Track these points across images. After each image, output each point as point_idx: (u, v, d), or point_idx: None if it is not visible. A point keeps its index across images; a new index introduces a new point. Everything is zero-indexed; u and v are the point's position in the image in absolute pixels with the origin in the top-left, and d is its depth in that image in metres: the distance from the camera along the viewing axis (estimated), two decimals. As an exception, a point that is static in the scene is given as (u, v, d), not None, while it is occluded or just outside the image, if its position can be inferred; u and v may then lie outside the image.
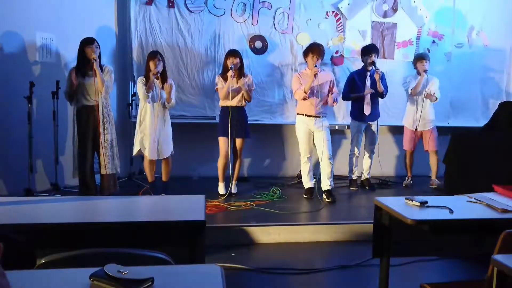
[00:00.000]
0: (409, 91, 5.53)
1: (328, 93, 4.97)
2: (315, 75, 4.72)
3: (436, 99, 5.54)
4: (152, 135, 4.71)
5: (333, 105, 5.13)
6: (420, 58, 5.53)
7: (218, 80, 4.98)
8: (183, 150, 5.19)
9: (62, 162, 5.10)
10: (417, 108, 5.57)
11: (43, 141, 4.97)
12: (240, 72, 4.92)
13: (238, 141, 5.05)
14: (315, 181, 5.11)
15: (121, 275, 1.35)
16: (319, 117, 4.88)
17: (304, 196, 5.04)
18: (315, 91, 4.82)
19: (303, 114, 4.94)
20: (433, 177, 5.71)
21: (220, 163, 5.04)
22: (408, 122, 5.68)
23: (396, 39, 6.15)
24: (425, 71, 5.43)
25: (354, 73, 5.54)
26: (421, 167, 6.03)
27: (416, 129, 5.60)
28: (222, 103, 4.98)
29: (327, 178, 4.92)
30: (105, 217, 2.38)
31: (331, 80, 5.01)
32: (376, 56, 5.38)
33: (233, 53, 4.96)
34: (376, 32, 6.10)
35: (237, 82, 4.89)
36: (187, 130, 5.34)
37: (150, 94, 4.66)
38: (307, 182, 5.05)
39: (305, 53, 4.97)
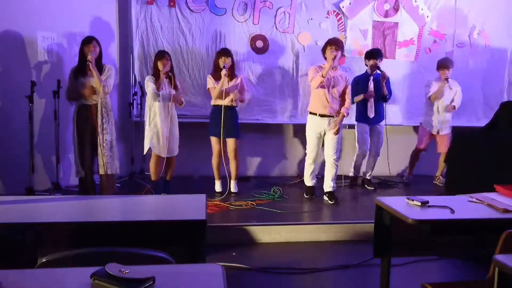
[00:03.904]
0: (428, 96, 5.59)
1: (343, 93, 4.82)
2: (333, 59, 4.60)
3: (455, 109, 5.68)
4: (164, 133, 4.74)
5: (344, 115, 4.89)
6: (441, 65, 5.55)
7: (210, 79, 4.98)
8: (184, 150, 5.18)
9: (63, 161, 5.10)
10: (438, 112, 5.63)
11: (44, 141, 4.97)
12: (231, 72, 4.93)
13: (230, 141, 5.03)
14: (316, 181, 5.10)
15: (122, 274, 1.35)
16: (333, 116, 4.77)
17: (305, 196, 5.02)
18: (330, 84, 4.70)
19: (315, 114, 4.80)
20: (439, 173, 5.84)
21: (214, 162, 5.08)
22: (427, 124, 5.72)
23: (397, 39, 6.14)
24: (446, 79, 5.48)
25: (358, 78, 5.55)
26: (423, 167, 6.04)
27: (438, 132, 5.66)
28: (214, 102, 4.99)
29: (331, 180, 4.88)
30: (106, 216, 2.38)
31: (346, 79, 4.87)
32: (380, 60, 5.38)
33: (225, 52, 4.98)
34: (377, 32, 6.09)
35: (228, 83, 4.89)
36: (188, 130, 5.34)
37: (160, 93, 4.67)
38: (309, 181, 5.03)
39: (324, 49, 4.82)
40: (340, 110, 4.80)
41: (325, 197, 4.93)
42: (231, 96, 4.90)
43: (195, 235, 2.10)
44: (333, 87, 4.73)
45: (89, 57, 4.33)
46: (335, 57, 4.63)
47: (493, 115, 4.71)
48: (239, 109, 5.22)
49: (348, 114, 4.90)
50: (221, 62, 4.87)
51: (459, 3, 6.23)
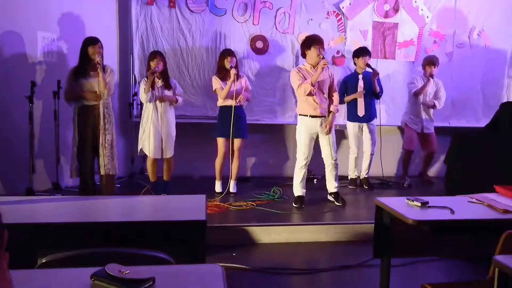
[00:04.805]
0: (413, 92, 5.58)
1: (330, 90, 4.67)
2: (323, 68, 4.37)
3: (435, 107, 5.65)
4: (156, 135, 4.73)
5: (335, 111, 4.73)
6: (428, 62, 5.55)
7: (216, 80, 4.97)
8: (184, 150, 5.19)
9: (63, 161, 5.10)
10: (423, 110, 5.63)
11: (44, 141, 4.97)
12: (236, 73, 4.93)
13: (237, 141, 5.05)
14: (305, 190, 4.87)
15: (122, 274, 1.35)
16: (325, 116, 4.58)
17: (294, 205, 4.68)
18: (317, 88, 4.52)
19: (306, 115, 4.58)
20: (427, 173, 5.99)
21: (218, 163, 5.07)
22: (412, 123, 5.68)
23: (397, 39, 6.14)
24: (431, 75, 5.49)
25: (345, 78, 5.59)
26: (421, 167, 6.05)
27: (422, 131, 5.64)
28: (222, 102, 4.98)
29: (334, 180, 4.77)
30: (106, 216, 2.38)
31: (331, 75, 4.71)
32: (369, 58, 5.40)
33: (230, 52, 5.01)
34: (377, 32, 6.10)
35: (234, 83, 4.90)
36: (188, 130, 5.34)
37: (148, 94, 4.66)
38: (298, 190, 4.72)
39: (307, 46, 4.52)
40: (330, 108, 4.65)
41: (331, 198, 4.83)
42: (241, 96, 4.92)
43: (195, 236, 2.10)
44: (321, 90, 4.56)
45: (97, 59, 4.30)
46: (325, 65, 4.41)
47: (493, 115, 4.72)
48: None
49: (338, 110, 4.75)
50: (227, 62, 4.87)
51: (459, 4, 6.24)
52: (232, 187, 5.16)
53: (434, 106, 5.62)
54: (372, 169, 5.72)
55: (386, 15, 6.09)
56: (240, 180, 5.34)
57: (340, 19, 6.01)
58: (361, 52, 5.39)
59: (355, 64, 5.50)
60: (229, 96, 4.89)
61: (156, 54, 4.79)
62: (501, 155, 4.04)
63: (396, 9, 6.08)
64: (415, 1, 6.11)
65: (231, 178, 5.16)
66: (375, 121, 5.59)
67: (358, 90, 5.40)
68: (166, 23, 5.71)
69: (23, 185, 4.63)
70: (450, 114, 6.29)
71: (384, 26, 6.11)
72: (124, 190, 5.19)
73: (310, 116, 4.57)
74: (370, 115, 5.49)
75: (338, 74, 6.00)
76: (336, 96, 4.71)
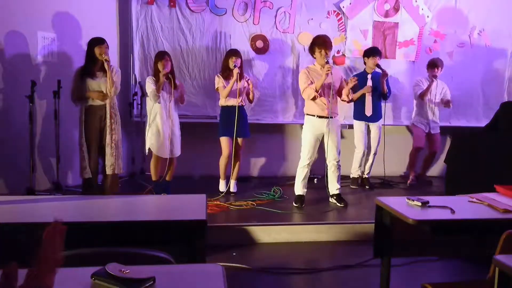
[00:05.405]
0: (418, 94, 5.65)
1: (340, 89, 4.67)
2: (327, 74, 4.31)
3: (449, 104, 5.69)
4: (165, 134, 4.74)
5: (346, 100, 4.71)
6: (432, 64, 5.63)
7: (219, 79, 4.98)
8: (184, 149, 5.18)
9: (63, 161, 5.09)
10: (429, 111, 5.71)
11: (45, 140, 4.97)
12: (241, 72, 4.95)
13: (240, 141, 5.07)
14: (306, 190, 4.86)
15: (123, 274, 1.35)
16: (332, 117, 4.54)
17: (294, 204, 4.69)
18: (325, 90, 4.51)
19: (314, 115, 4.57)
20: (423, 172, 6.04)
21: (223, 162, 5.06)
22: (420, 123, 5.76)
23: (397, 39, 6.14)
24: (434, 77, 5.57)
25: (355, 76, 5.58)
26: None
27: (429, 131, 5.72)
28: (223, 102, 4.98)
29: (336, 182, 4.75)
30: (106, 216, 2.38)
31: (341, 78, 4.75)
32: (379, 58, 5.40)
33: (236, 52, 5.00)
34: (377, 32, 6.09)
35: (236, 83, 4.90)
36: (188, 130, 5.34)
37: (160, 94, 4.66)
38: (299, 189, 4.73)
39: (312, 48, 4.57)
40: (337, 111, 4.70)
41: (333, 200, 4.81)
42: (251, 84, 4.95)
43: (195, 235, 2.10)
44: (330, 90, 4.51)
45: (106, 57, 4.30)
46: (329, 71, 4.28)
47: (493, 115, 4.72)
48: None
49: (350, 92, 4.70)
50: (231, 62, 4.88)
51: (459, 4, 6.24)
52: (232, 187, 5.17)
53: (447, 104, 5.67)
54: (373, 168, 5.72)
55: (387, 15, 6.08)
56: (240, 179, 5.35)
57: (341, 18, 6.01)
58: (371, 52, 5.41)
59: (365, 63, 5.50)
60: (232, 95, 4.89)
61: (164, 54, 4.79)
62: (501, 154, 4.04)
63: (396, 9, 6.08)
64: (416, 1, 6.11)
65: (231, 178, 5.17)
66: (380, 122, 5.59)
67: (367, 87, 5.41)
68: (166, 23, 5.71)
69: (24, 184, 4.63)
70: (450, 114, 6.28)
71: (385, 26, 6.10)
72: (125, 190, 5.19)
73: (317, 116, 4.56)
74: (376, 115, 5.51)
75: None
76: (345, 90, 4.68)
